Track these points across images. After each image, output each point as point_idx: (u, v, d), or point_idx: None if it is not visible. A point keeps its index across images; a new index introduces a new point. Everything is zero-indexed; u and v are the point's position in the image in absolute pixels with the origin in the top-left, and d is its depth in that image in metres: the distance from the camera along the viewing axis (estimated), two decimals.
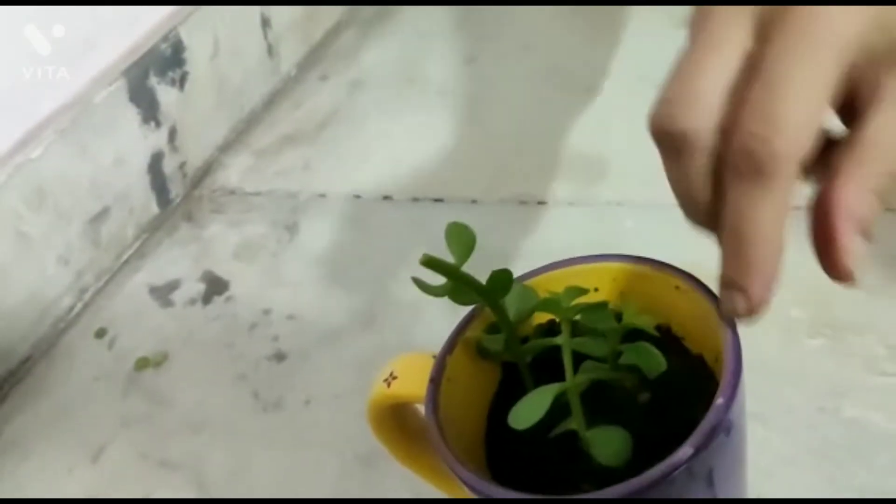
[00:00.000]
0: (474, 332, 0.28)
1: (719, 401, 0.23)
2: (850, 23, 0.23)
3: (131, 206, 0.59)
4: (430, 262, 0.24)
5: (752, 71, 0.23)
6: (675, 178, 0.25)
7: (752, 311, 0.24)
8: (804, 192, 0.25)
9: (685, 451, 0.22)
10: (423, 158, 0.59)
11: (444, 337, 0.29)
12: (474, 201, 0.55)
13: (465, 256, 0.25)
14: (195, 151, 0.64)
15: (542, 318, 0.29)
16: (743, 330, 0.40)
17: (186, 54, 0.62)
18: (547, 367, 0.27)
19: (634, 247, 0.31)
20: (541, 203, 0.53)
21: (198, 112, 0.64)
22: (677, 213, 0.26)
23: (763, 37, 0.23)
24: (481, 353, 0.28)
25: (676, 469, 0.22)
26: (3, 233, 0.51)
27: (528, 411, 0.25)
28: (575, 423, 0.25)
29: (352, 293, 0.50)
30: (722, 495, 0.24)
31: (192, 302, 0.53)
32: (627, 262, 0.29)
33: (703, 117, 0.23)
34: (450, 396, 0.26)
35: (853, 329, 0.39)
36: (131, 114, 0.58)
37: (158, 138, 0.60)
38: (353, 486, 0.40)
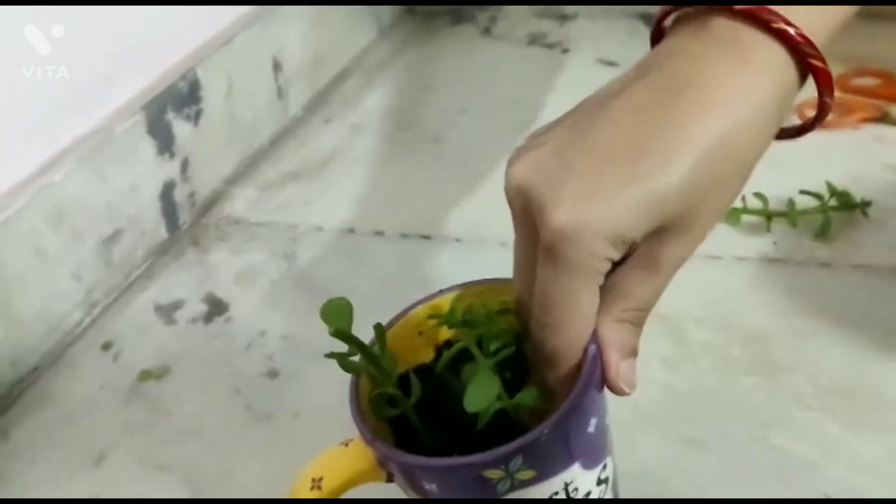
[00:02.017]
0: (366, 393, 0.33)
1: (572, 395, 0.29)
2: (577, 241, 0.27)
3: (142, 230, 0.63)
4: (336, 333, 0.30)
5: (534, 282, 0.29)
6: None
7: None
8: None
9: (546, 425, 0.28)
10: (413, 198, 0.64)
11: None
12: (458, 240, 0.59)
13: (348, 324, 0.31)
14: (205, 182, 0.69)
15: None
16: (690, 366, 0.44)
17: (202, 93, 0.67)
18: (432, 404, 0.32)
19: None
20: None
21: (209, 146, 0.68)
22: None
23: (537, 255, 0.29)
24: (376, 411, 0.33)
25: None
26: (24, 248, 0.55)
27: (481, 394, 0.30)
28: (503, 401, 0.30)
29: None
30: (574, 448, 0.29)
31: (194, 321, 0.57)
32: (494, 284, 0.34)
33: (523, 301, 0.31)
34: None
35: (785, 369, 0.43)
36: (148, 145, 0.63)
37: (171, 168, 0.65)
38: None
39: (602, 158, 0.28)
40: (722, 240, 0.51)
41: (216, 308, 0.58)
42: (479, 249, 0.58)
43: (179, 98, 0.65)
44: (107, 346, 0.57)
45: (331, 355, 0.30)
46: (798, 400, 0.41)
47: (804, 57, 0.29)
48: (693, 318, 0.47)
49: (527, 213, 0.30)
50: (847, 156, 0.56)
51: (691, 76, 0.28)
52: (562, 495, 0.29)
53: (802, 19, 0.29)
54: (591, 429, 0.29)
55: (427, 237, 0.60)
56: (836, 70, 0.66)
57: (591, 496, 0.31)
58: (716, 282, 0.49)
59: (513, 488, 0.28)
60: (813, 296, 0.46)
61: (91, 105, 0.61)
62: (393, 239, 0.61)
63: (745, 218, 0.51)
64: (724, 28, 0.29)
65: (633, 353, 0.30)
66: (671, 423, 0.41)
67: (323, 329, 0.55)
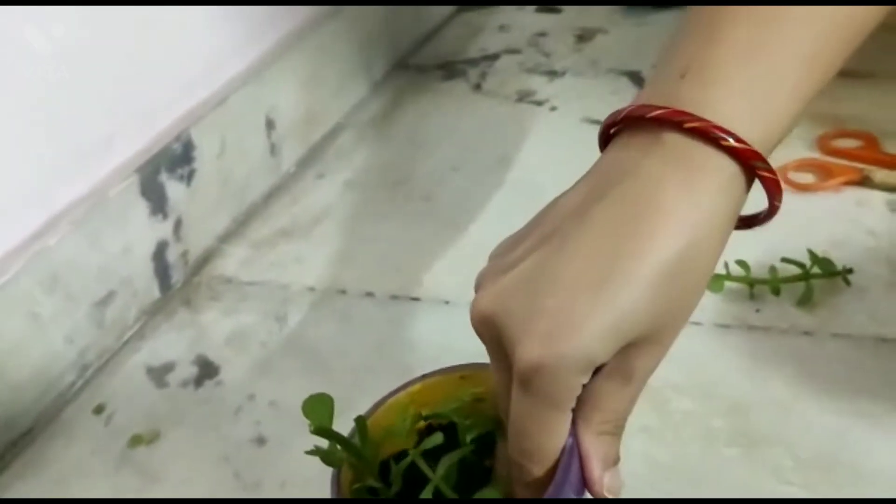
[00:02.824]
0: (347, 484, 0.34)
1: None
2: (549, 373, 0.28)
3: (135, 291, 0.64)
4: (317, 431, 0.31)
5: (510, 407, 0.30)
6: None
7: None
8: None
9: None
10: (404, 258, 0.65)
11: None
12: (447, 302, 0.60)
13: (329, 419, 0.32)
14: (197, 241, 0.69)
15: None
16: (671, 437, 0.45)
17: (195, 153, 0.68)
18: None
19: None
20: None
21: (202, 205, 0.69)
22: None
23: (514, 383, 0.30)
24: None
25: None
26: (19, 313, 0.56)
27: None
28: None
29: (331, 383, 0.55)
30: None
31: (185, 384, 0.58)
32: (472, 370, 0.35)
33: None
34: None
35: (765, 440, 0.43)
36: (141, 207, 0.64)
37: (164, 229, 0.66)
38: None
39: (567, 289, 0.28)
40: (704, 306, 0.51)
41: (207, 371, 0.59)
42: (468, 312, 0.58)
43: (173, 159, 0.66)
44: (99, 410, 0.58)
45: (313, 452, 0.31)
46: (778, 473, 0.42)
47: (754, 170, 0.30)
48: (674, 386, 0.47)
49: (497, 342, 0.30)
50: (829, 221, 0.57)
51: (647, 200, 0.29)
52: None
53: (750, 133, 0.29)
54: None
55: (416, 299, 0.61)
56: (816, 131, 0.68)
57: None
58: (698, 349, 0.49)
59: None
60: (795, 365, 0.47)
61: (85, 169, 0.62)
62: (383, 300, 0.61)
63: (728, 285, 0.52)
64: (676, 146, 0.30)
65: (616, 461, 0.31)
66: (652, 494, 0.42)
67: (309, 395, 0.56)
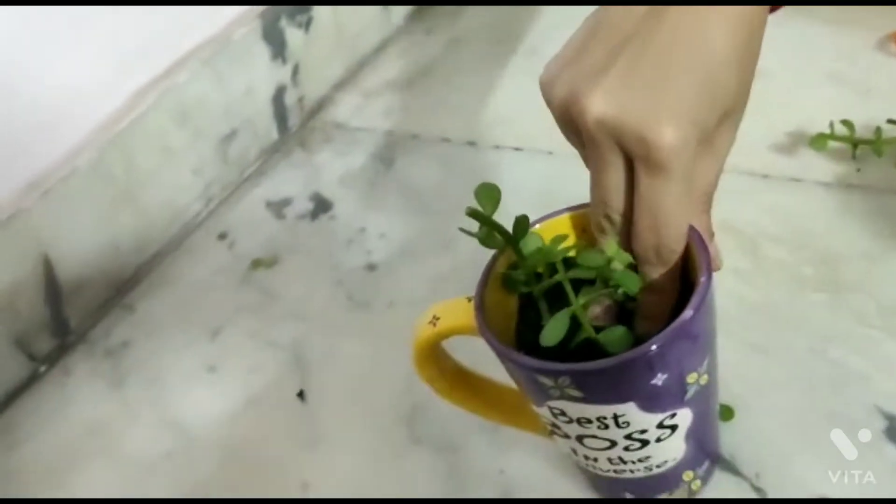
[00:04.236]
0: (501, 268, 0.36)
1: (688, 313, 0.31)
2: (683, 152, 0.31)
3: (255, 130, 0.68)
4: (472, 213, 0.32)
5: (634, 189, 0.32)
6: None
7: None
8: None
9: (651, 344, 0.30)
10: (506, 111, 0.67)
11: None
12: (550, 153, 0.62)
13: (494, 208, 0.32)
14: (313, 87, 0.73)
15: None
16: (762, 280, 0.47)
17: None
18: (557, 294, 0.34)
19: None
20: None
21: (318, 53, 0.72)
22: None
23: (634, 165, 0.32)
24: (506, 284, 0.35)
25: (643, 355, 0.30)
26: (152, 145, 0.61)
27: (554, 332, 0.32)
28: (586, 332, 0.33)
29: (434, 221, 0.59)
30: (628, 392, 0.32)
31: (301, 217, 0.62)
32: None
33: (615, 219, 0.34)
34: (486, 317, 0.34)
35: (852, 288, 0.45)
36: (263, 51, 0.67)
37: (283, 74, 0.70)
38: None
39: (672, 77, 0.31)
40: (807, 164, 0.53)
41: (321, 206, 0.63)
42: (569, 163, 0.60)
43: (292, 7, 0.69)
44: (222, 236, 0.63)
45: (470, 233, 0.33)
46: (860, 318, 0.43)
47: None
48: (769, 236, 0.49)
49: (614, 140, 0.31)
50: None
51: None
52: (610, 422, 0.32)
53: None
54: (656, 381, 0.31)
55: (518, 149, 0.63)
56: None
57: (648, 434, 0.33)
58: (796, 204, 0.51)
59: (562, 398, 0.32)
60: (888, 222, 0.48)
61: (212, 14, 0.65)
62: (485, 149, 0.64)
63: (831, 144, 0.52)
64: None
65: (713, 235, 0.35)
66: (739, 330, 0.44)
67: (416, 230, 0.59)
